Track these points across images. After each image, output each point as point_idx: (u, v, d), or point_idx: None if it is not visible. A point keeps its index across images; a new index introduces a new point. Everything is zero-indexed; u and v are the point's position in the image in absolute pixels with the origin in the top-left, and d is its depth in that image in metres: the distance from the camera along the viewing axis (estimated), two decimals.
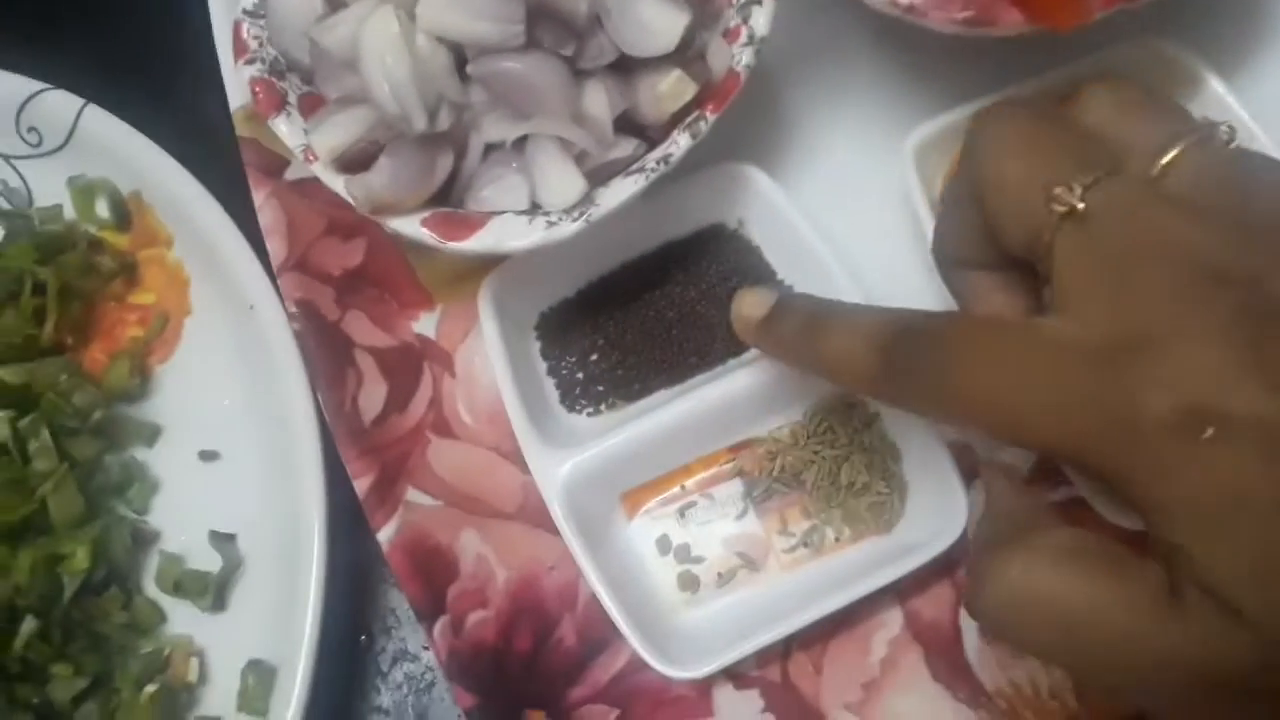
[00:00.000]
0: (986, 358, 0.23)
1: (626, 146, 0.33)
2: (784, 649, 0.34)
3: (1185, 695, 0.21)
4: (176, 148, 0.40)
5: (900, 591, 0.35)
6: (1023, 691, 0.34)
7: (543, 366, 0.38)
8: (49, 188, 0.42)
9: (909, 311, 0.27)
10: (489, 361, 0.36)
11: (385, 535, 0.36)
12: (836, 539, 0.35)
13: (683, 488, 0.36)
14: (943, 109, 0.37)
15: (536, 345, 0.38)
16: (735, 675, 0.34)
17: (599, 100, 0.33)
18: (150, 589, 0.38)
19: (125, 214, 0.42)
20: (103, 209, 0.41)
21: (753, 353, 0.37)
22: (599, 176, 0.33)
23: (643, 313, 0.38)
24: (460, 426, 0.37)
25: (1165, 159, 0.23)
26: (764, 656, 0.34)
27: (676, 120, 0.34)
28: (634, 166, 0.33)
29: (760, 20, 0.34)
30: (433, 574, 0.35)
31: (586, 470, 0.34)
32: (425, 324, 0.39)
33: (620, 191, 0.33)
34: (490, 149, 0.34)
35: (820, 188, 0.38)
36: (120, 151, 0.41)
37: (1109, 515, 0.29)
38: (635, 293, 0.38)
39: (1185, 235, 0.21)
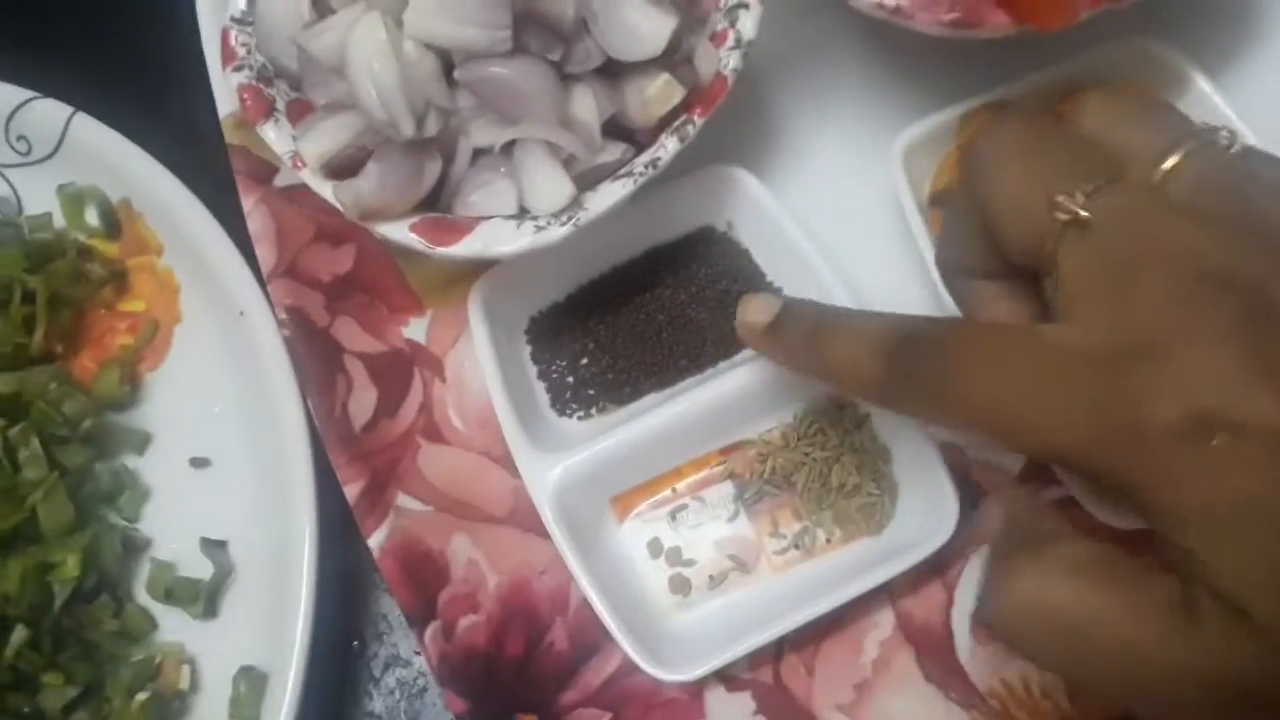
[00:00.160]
0: (990, 363, 0.23)
1: (614, 151, 0.33)
2: (776, 651, 0.34)
3: (1195, 708, 0.21)
4: (166, 155, 0.40)
5: (892, 592, 0.35)
6: (1015, 691, 0.34)
7: (533, 370, 0.38)
8: (38, 196, 0.42)
9: (913, 318, 0.27)
10: (479, 366, 0.36)
11: (376, 541, 0.36)
12: (827, 540, 0.35)
13: (673, 490, 0.36)
14: (930, 110, 0.37)
15: (527, 349, 0.38)
16: (727, 677, 0.34)
17: (586, 105, 0.33)
18: (141, 596, 0.38)
19: (115, 222, 0.42)
20: (92, 217, 0.41)
21: (743, 355, 0.37)
22: (587, 181, 0.33)
23: (633, 316, 0.38)
24: (451, 431, 0.37)
25: (1167, 165, 0.23)
26: (756, 658, 0.34)
27: (664, 124, 0.34)
28: (622, 170, 0.33)
29: (747, 24, 0.34)
30: (424, 579, 0.35)
31: (577, 474, 0.34)
32: (415, 329, 0.39)
33: (608, 196, 0.33)
34: (478, 154, 0.34)
35: (809, 189, 0.38)
36: (109, 159, 0.41)
37: (1101, 516, 0.29)
38: (625, 296, 0.38)
39: (1188, 241, 0.21)
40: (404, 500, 0.36)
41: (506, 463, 0.36)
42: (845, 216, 0.38)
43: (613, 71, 0.33)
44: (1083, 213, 0.22)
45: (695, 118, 0.33)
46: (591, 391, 0.37)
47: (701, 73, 0.34)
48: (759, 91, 0.40)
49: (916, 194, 0.36)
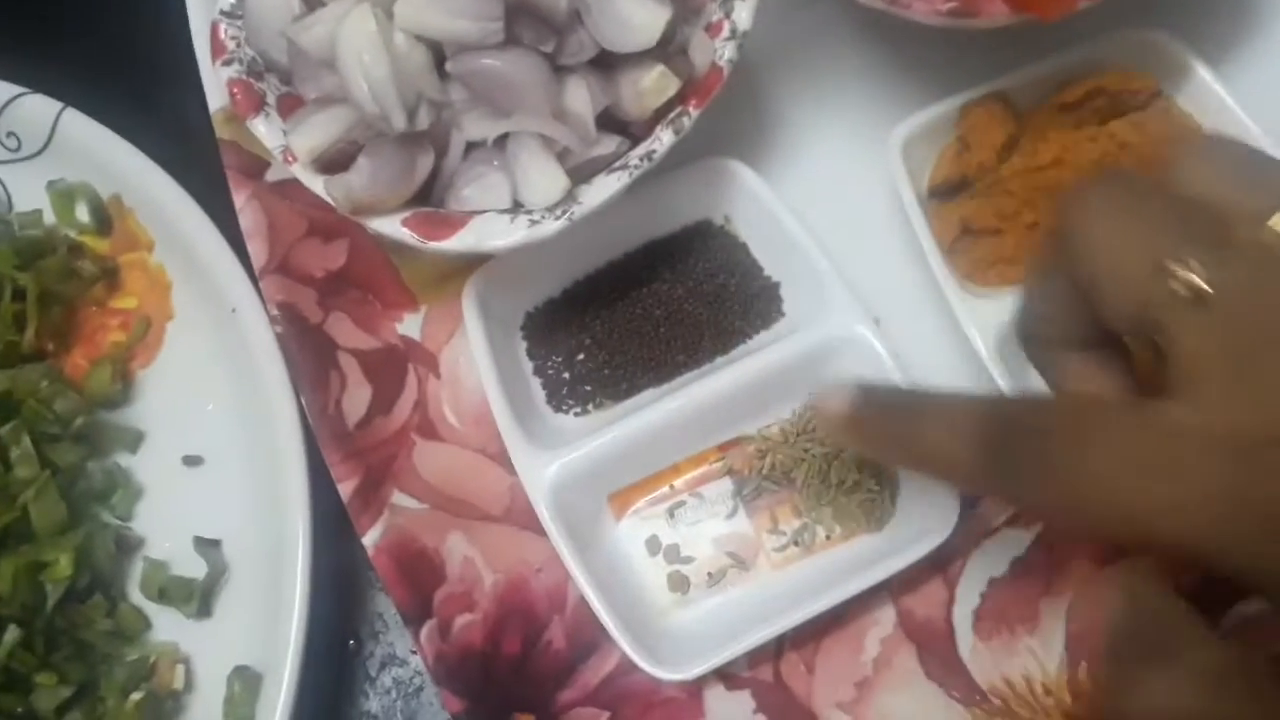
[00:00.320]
0: (1102, 446, 0.22)
1: (609, 144, 0.33)
2: (776, 649, 0.34)
3: None
4: (156, 151, 0.40)
5: (892, 589, 0.34)
6: (1017, 688, 0.34)
7: (529, 366, 0.38)
8: (28, 193, 0.41)
9: (1007, 399, 0.26)
10: (474, 362, 0.35)
11: (370, 539, 0.35)
12: (827, 537, 0.35)
13: (671, 487, 0.36)
14: (929, 101, 0.36)
15: (522, 345, 0.38)
16: (726, 676, 0.34)
17: (580, 97, 0.32)
18: (135, 596, 0.37)
19: (105, 218, 0.41)
20: (83, 213, 0.41)
21: (740, 350, 0.37)
22: (582, 174, 0.33)
23: (629, 311, 0.37)
24: (446, 428, 0.37)
25: (1276, 224, 0.22)
26: (755, 657, 0.34)
27: (659, 116, 0.33)
28: (617, 164, 0.33)
29: (743, 14, 0.34)
30: (419, 578, 0.35)
31: (574, 471, 0.34)
32: (409, 325, 0.38)
33: (603, 189, 0.32)
34: (471, 147, 0.33)
35: (806, 182, 0.38)
36: (100, 155, 0.40)
37: None
38: (621, 291, 0.38)
39: None
40: (399, 498, 0.36)
41: (502, 460, 0.35)
42: (843, 209, 0.37)
43: (607, 63, 0.33)
44: (1203, 284, 0.21)
45: (691, 110, 0.33)
46: (588, 387, 0.37)
47: (697, 64, 0.34)
48: (755, 83, 0.40)
49: (915, 186, 0.36)
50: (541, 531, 0.33)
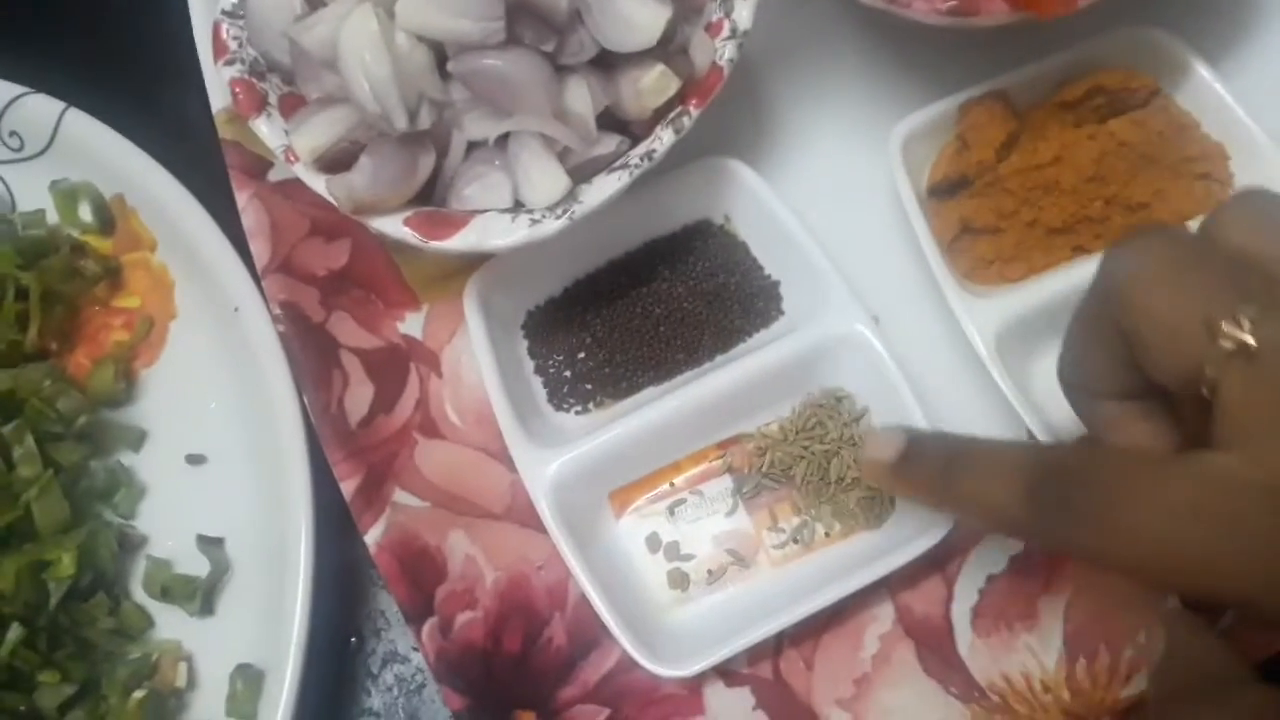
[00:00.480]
0: (1151, 498, 0.22)
1: (610, 143, 0.33)
2: (775, 646, 0.34)
3: None
4: (159, 151, 0.40)
5: (891, 586, 0.34)
6: (1015, 685, 0.34)
7: (530, 365, 0.38)
8: (31, 192, 0.42)
9: (1053, 448, 0.26)
10: (476, 361, 0.36)
11: (372, 537, 0.36)
12: (827, 534, 0.35)
13: (671, 485, 0.36)
14: (929, 100, 0.36)
15: (523, 344, 0.38)
16: (726, 673, 0.34)
17: (581, 96, 0.32)
18: (138, 594, 0.37)
19: (108, 218, 0.41)
20: (86, 213, 0.41)
21: (740, 348, 0.37)
22: (582, 173, 0.33)
23: (630, 310, 0.37)
24: (447, 427, 0.37)
25: None
26: (755, 654, 0.34)
27: (660, 116, 0.33)
28: (618, 163, 0.33)
29: (743, 13, 0.34)
30: (421, 575, 0.35)
31: (574, 469, 0.34)
32: (411, 324, 0.38)
33: (604, 188, 0.33)
34: (472, 147, 0.33)
35: (806, 181, 0.38)
36: (103, 155, 0.40)
37: None
38: (622, 290, 0.38)
39: None
40: (401, 496, 0.36)
41: (504, 458, 0.35)
42: (843, 208, 0.38)
43: (607, 63, 0.33)
44: (1249, 340, 0.21)
45: (691, 109, 0.33)
46: (589, 386, 0.37)
47: (697, 64, 0.34)
48: (755, 82, 0.40)
49: (915, 184, 0.36)
50: (542, 529, 0.33)
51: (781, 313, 0.38)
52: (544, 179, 0.32)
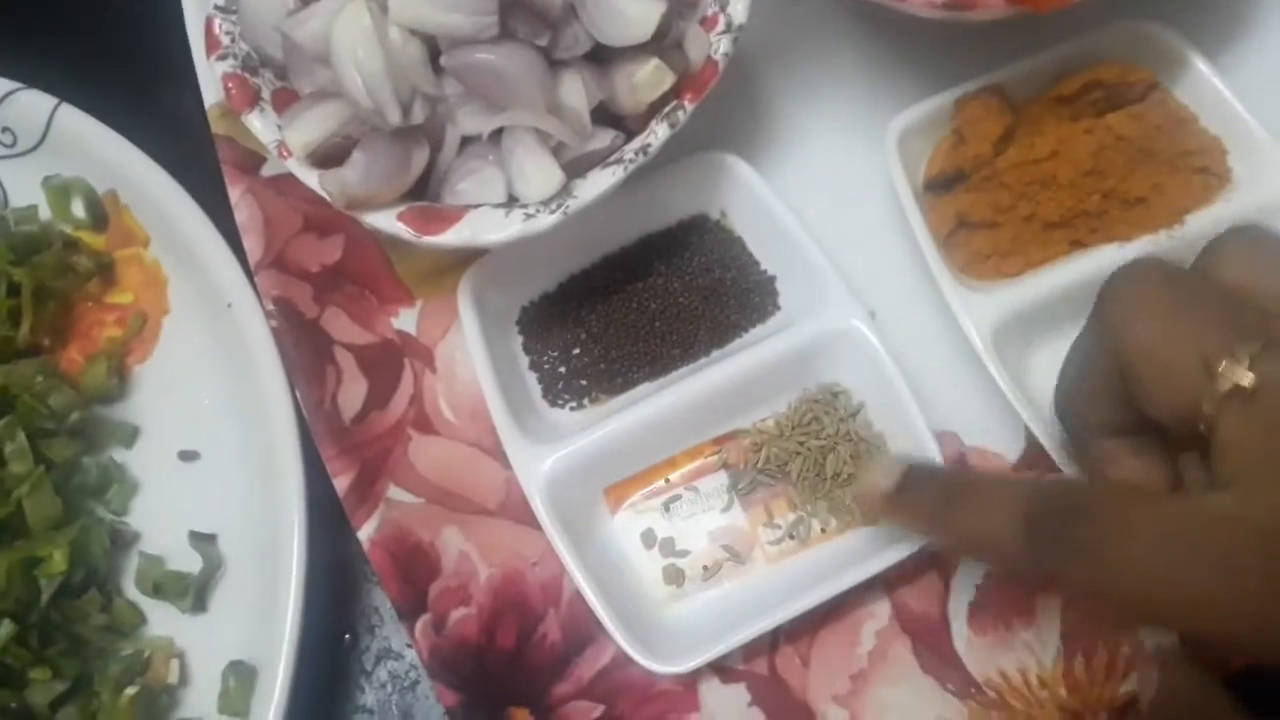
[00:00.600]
0: (1148, 534, 0.22)
1: (604, 137, 0.33)
2: (771, 642, 0.34)
3: None
4: (152, 146, 0.40)
5: (887, 582, 0.34)
6: (1012, 681, 0.34)
7: (524, 361, 0.37)
8: (24, 188, 0.41)
9: (1050, 483, 0.25)
10: (470, 357, 0.35)
11: (366, 533, 0.35)
12: (823, 530, 0.35)
13: (667, 481, 0.36)
14: (925, 95, 0.36)
15: (518, 340, 0.38)
16: (722, 669, 0.34)
17: (575, 91, 0.32)
18: (130, 591, 0.37)
19: (101, 214, 0.41)
20: (78, 209, 0.41)
21: (736, 343, 0.37)
22: (577, 168, 0.33)
23: (625, 306, 0.37)
24: (442, 423, 0.37)
25: None
26: (751, 650, 0.34)
27: (654, 110, 0.33)
28: (612, 158, 0.33)
29: (738, 8, 0.33)
30: (414, 571, 0.35)
31: (569, 465, 0.34)
32: (405, 320, 0.38)
33: (599, 183, 0.32)
34: (466, 142, 0.33)
35: (802, 176, 0.38)
36: (95, 151, 0.40)
37: None
38: (617, 286, 0.37)
39: None
40: (394, 492, 0.36)
41: (498, 454, 0.35)
42: (839, 203, 0.37)
43: (601, 57, 0.33)
44: (1247, 379, 0.21)
45: (686, 103, 0.33)
46: (583, 382, 0.37)
47: (692, 58, 0.34)
48: (751, 77, 0.39)
49: (911, 179, 0.36)
50: (537, 525, 0.33)
51: (778, 308, 0.37)
52: (538, 174, 0.32)
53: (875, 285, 0.36)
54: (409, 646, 0.37)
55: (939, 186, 0.37)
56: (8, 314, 0.39)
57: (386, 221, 0.32)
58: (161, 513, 0.38)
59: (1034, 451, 0.34)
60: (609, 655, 0.34)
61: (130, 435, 0.39)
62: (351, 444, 0.36)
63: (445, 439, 0.37)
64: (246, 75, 0.34)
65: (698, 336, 0.37)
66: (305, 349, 0.37)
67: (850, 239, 0.36)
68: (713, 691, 0.34)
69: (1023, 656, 0.34)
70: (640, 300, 0.37)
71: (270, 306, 0.38)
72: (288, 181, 0.39)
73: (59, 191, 0.41)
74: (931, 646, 0.34)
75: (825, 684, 0.34)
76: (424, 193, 0.34)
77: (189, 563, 0.37)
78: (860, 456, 0.35)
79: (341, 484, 0.36)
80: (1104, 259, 0.35)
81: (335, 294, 0.38)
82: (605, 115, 0.33)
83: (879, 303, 0.36)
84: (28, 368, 0.38)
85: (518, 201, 0.33)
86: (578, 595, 0.33)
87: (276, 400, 0.36)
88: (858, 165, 0.38)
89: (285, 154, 0.33)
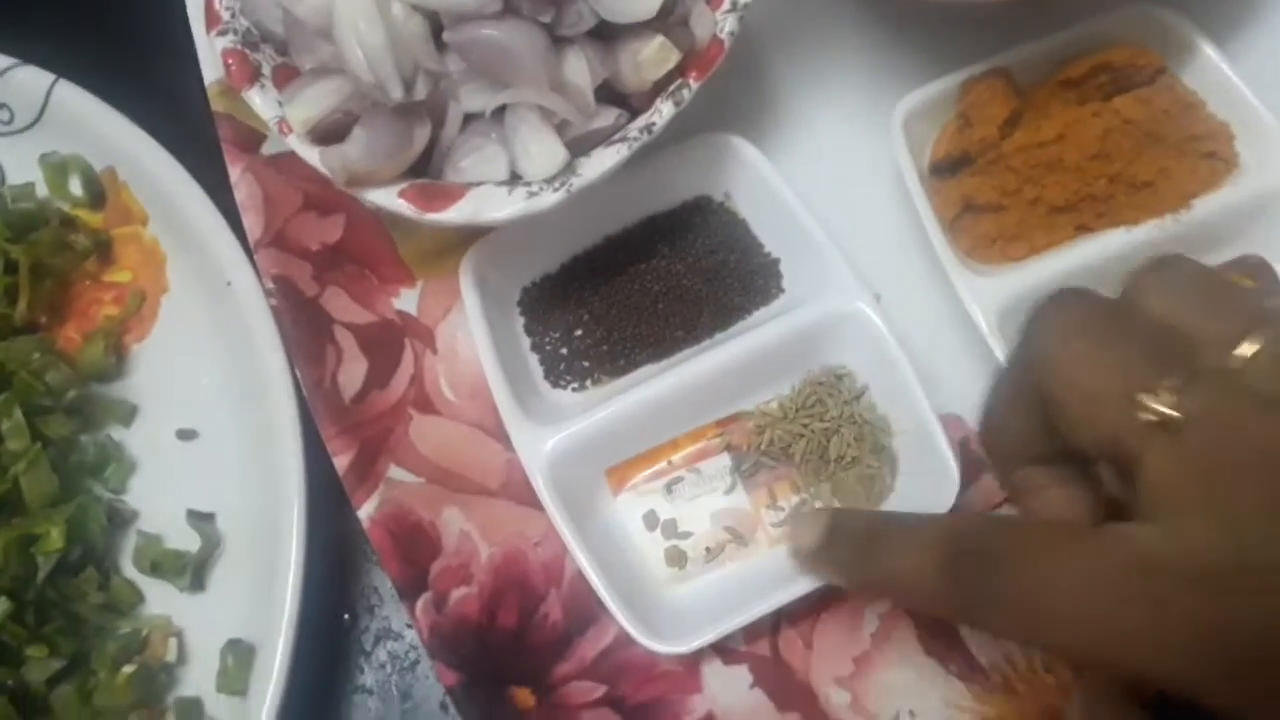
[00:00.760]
0: (1069, 574, 0.21)
1: (608, 116, 0.33)
2: (773, 624, 0.34)
3: None
4: (151, 123, 0.39)
5: None
6: (1016, 664, 0.33)
7: (526, 342, 0.37)
8: (21, 165, 0.41)
9: (971, 520, 0.26)
10: (471, 338, 0.35)
11: (366, 512, 0.35)
12: None
13: (669, 463, 0.35)
14: (931, 77, 0.36)
15: (520, 321, 0.37)
16: (724, 650, 0.34)
17: (579, 68, 0.32)
18: (128, 569, 0.37)
19: (99, 191, 0.41)
20: (76, 186, 0.41)
21: (739, 325, 0.37)
22: (580, 146, 0.32)
23: (628, 287, 0.37)
24: (442, 403, 0.37)
25: (1244, 351, 0.21)
26: (753, 631, 0.34)
27: (659, 89, 0.33)
28: (616, 136, 0.33)
29: None
30: (415, 551, 0.35)
31: (571, 446, 0.34)
32: (406, 300, 0.38)
33: (602, 161, 0.32)
34: (469, 119, 0.33)
35: (807, 158, 0.38)
36: (93, 128, 0.40)
37: None
38: (620, 267, 0.37)
39: None
40: (395, 472, 0.36)
41: (499, 435, 0.35)
42: (844, 185, 0.37)
43: (606, 34, 0.33)
44: (1171, 413, 0.21)
45: (691, 82, 0.33)
46: (586, 363, 0.37)
47: (697, 36, 0.33)
48: (756, 57, 0.39)
49: (917, 162, 0.36)
50: (538, 506, 0.33)
51: (782, 290, 0.37)
52: (541, 151, 0.32)
53: (880, 268, 0.36)
54: (409, 627, 0.37)
55: (945, 170, 0.37)
56: (4, 291, 0.38)
57: (388, 198, 0.32)
58: (160, 491, 0.38)
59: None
60: (611, 635, 0.34)
61: (128, 414, 0.39)
62: (351, 423, 0.36)
63: (446, 419, 0.37)
64: (247, 51, 0.34)
65: (701, 318, 0.37)
66: (305, 328, 0.37)
67: (855, 222, 0.36)
68: (715, 672, 0.34)
69: None
70: (643, 282, 0.37)
71: (270, 285, 0.37)
72: (288, 160, 0.38)
73: (56, 169, 0.41)
74: (935, 629, 0.34)
75: (828, 666, 0.34)
76: (426, 170, 0.33)
77: (187, 541, 0.37)
78: (864, 439, 0.34)
79: (341, 463, 0.36)
80: (1110, 243, 0.35)
81: (335, 273, 0.38)
82: (609, 94, 0.33)
83: (884, 286, 0.35)
84: (25, 344, 0.37)
85: (521, 179, 0.32)
86: (579, 575, 0.33)
87: (276, 379, 0.36)
88: (863, 148, 0.38)
89: (286, 130, 0.33)
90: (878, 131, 0.36)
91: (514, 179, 0.33)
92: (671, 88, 0.33)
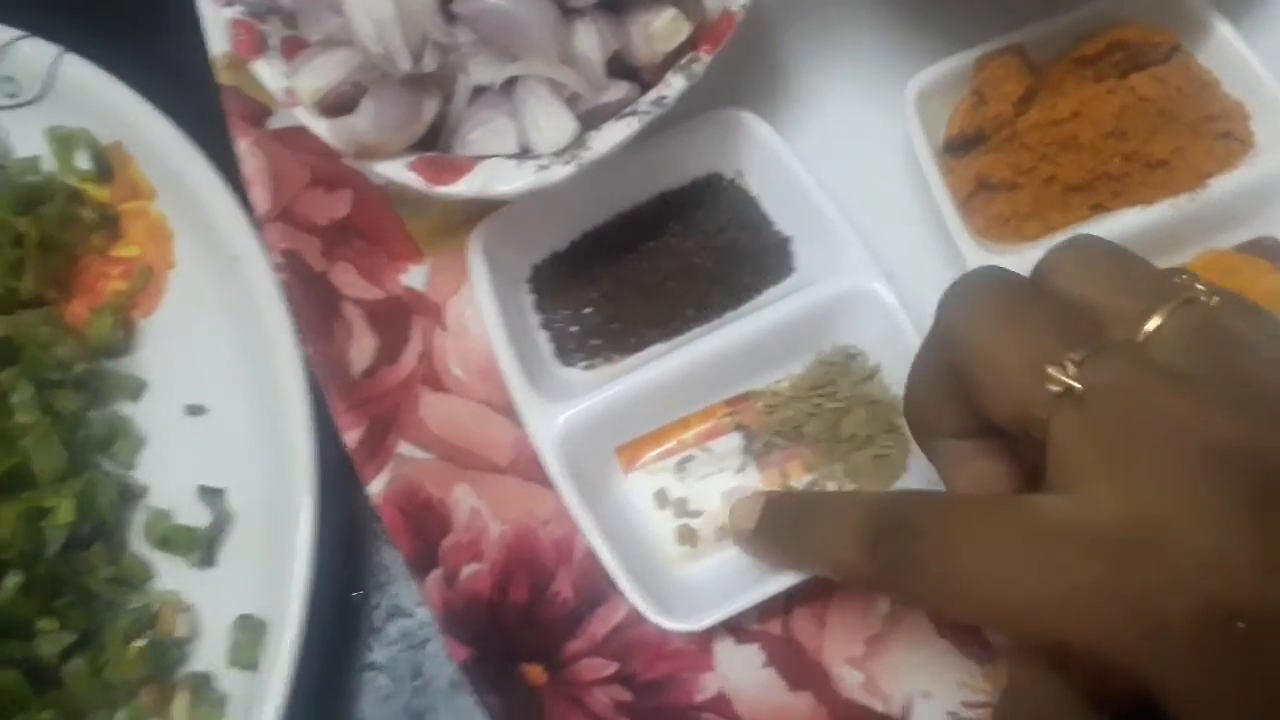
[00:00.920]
0: (982, 545, 0.22)
1: (619, 89, 0.32)
2: (785, 603, 0.34)
3: None
4: (158, 97, 0.39)
5: None
6: None
7: (536, 320, 0.37)
8: (27, 139, 0.41)
9: (894, 496, 0.26)
10: (480, 315, 0.35)
11: (376, 488, 0.35)
12: None
13: (680, 441, 0.35)
14: (945, 54, 0.36)
15: (529, 298, 0.37)
16: (736, 629, 0.34)
17: (590, 40, 0.32)
18: (138, 544, 0.37)
19: (106, 165, 0.41)
20: (83, 160, 0.40)
21: (750, 304, 0.36)
22: (591, 120, 0.32)
23: (638, 265, 0.37)
24: (452, 380, 0.37)
25: (1149, 326, 0.22)
26: (765, 611, 0.34)
27: (670, 62, 0.33)
28: (627, 110, 0.32)
29: None
30: (425, 527, 0.35)
31: (582, 423, 0.33)
32: (414, 277, 0.38)
33: (613, 134, 0.32)
34: (478, 92, 0.33)
35: (819, 135, 0.37)
36: (100, 101, 0.39)
37: None
38: (631, 244, 0.37)
39: (1187, 414, 0.20)
40: (404, 448, 0.36)
41: (508, 412, 0.35)
42: (857, 163, 0.37)
43: (616, 6, 0.32)
44: (1075, 384, 0.21)
45: (702, 55, 0.32)
46: (596, 341, 0.37)
47: (709, 8, 0.33)
48: (768, 33, 0.39)
49: (930, 139, 0.35)
50: (548, 484, 0.33)
51: (793, 269, 0.37)
52: (551, 124, 0.32)
53: (893, 247, 0.35)
54: (419, 605, 0.37)
55: (958, 147, 0.37)
56: (11, 265, 0.38)
57: (397, 171, 0.32)
58: (169, 467, 0.38)
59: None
60: (622, 613, 0.34)
61: (136, 389, 0.39)
62: (360, 399, 0.36)
63: (455, 396, 0.36)
64: (254, 22, 0.33)
65: (711, 297, 0.36)
66: (313, 303, 0.37)
67: (868, 200, 0.36)
68: (727, 651, 0.34)
69: None
70: (653, 260, 0.37)
71: (278, 260, 0.37)
72: (295, 134, 0.38)
73: (63, 142, 0.40)
74: None
75: (840, 646, 0.33)
76: (434, 143, 0.33)
77: (197, 517, 0.37)
78: (877, 419, 0.34)
79: (351, 439, 0.35)
80: (1125, 222, 0.34)
81: (344, 248, 0.38)
82: (620, 67, 0.33)
83: (897, 264, 0.35)
84: (32, 318, 0.37)
85: (531, 153, 0.32)
86: (589, 554, 0.32)
87: (284, 354, 0.36)
88: (876, 126, 0.37)
89: (293, 101, 0.32)
90: (891, 109, 0.36)
91: (524, 152, 0.32)
92: (683, 61, 0.32)
